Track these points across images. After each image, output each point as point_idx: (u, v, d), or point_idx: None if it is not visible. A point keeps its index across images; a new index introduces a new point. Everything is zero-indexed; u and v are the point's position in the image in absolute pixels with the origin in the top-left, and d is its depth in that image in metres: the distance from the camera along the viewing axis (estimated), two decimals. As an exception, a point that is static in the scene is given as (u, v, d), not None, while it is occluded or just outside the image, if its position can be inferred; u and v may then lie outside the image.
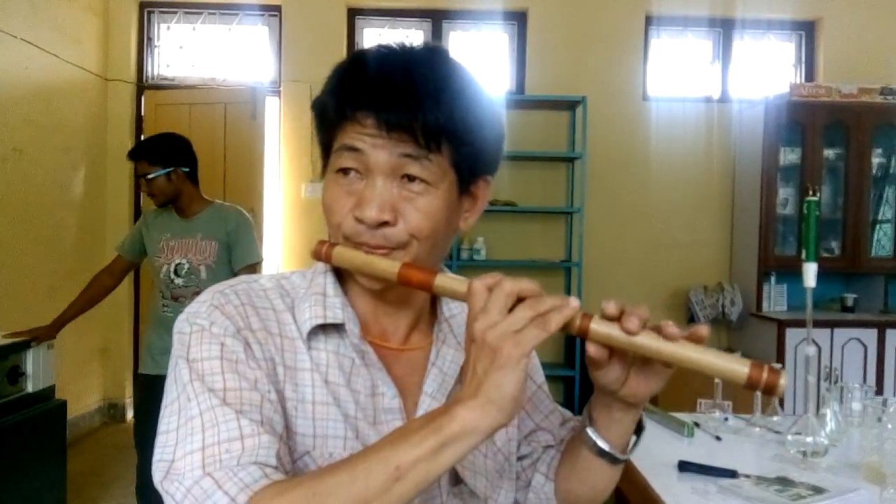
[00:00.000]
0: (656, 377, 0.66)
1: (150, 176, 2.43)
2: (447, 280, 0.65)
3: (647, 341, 0.59)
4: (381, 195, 0.67)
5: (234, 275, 2.46)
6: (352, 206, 0.68)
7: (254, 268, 2.53)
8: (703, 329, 0.60)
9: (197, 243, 2.46)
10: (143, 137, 4.34)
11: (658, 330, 0.60)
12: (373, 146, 0.66)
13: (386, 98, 0.65)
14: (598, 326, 0.60)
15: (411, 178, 0.67)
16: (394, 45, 0.70)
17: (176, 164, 2.48)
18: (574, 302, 0.59)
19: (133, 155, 2.51)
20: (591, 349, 0.62)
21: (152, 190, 2.47)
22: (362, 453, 0.59)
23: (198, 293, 2.83)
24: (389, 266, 0.66)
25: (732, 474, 1.42)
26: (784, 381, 0.57)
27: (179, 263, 2.44)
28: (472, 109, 0.68)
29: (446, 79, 0.67)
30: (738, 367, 0.57)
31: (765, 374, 0.56)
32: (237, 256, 2.49)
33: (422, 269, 0.66)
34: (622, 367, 0.66)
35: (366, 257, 0.68)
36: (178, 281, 2.44)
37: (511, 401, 0.57)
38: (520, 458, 0.86)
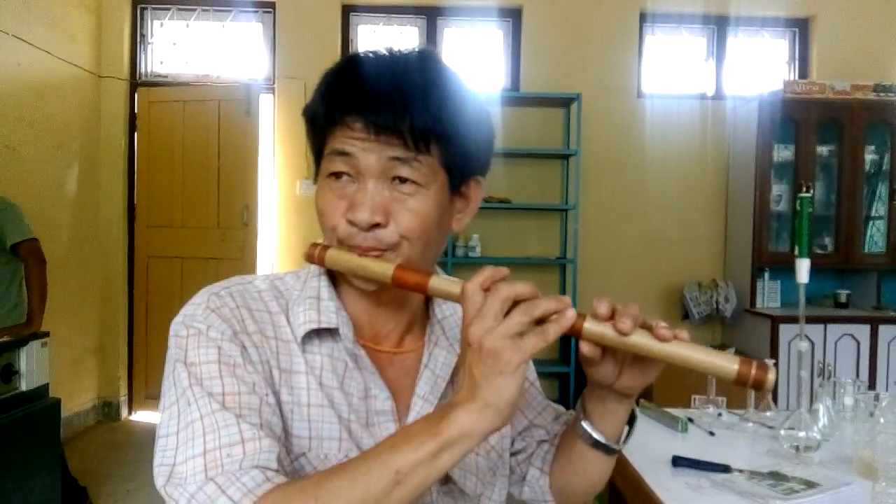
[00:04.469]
0: (650, 369, 0.68)
1: None
2: (441, 281, 0.65)
3: (640, 340, 0.60)
4: (372, 198, 0.67)
5: (14, 252, 2.70)
6: (344, 210, 0.68)
7: (31, 244, 2.73)
8: (685, 334, 0.61)
9: None
10: (136, 134, 4.33)
11: (650, 329, 0.61)
12: (362, 150, 0.67)
13: (373, 101, 0.66)
14: (591, 326, 0.61)
15: (402, 180, 0.68)
16: (381, 50, 0.70)
17: None
18: (571, 312, 0.60)
19: None
20: (585, 348, 0.63)
21: None
22: (363, 457, 0.60)
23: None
24: (384, 269, 0.67)
25: (726, 469, 1.42)
26: (773, 376, 0.58)
27: None
28: (460, 110, 0.69)
29: (434, 81, 0.68)
30: (727, 363, 0.59)
31: (753, 371, 0.58)
32: (8, 236, 2.69)
33: (416, 271, 0.67)
34: (615, 363, 0.67)
35: (359, 260, 0.68)
36: None
37: (509, 405, 0.58)
38: (514, 454, 0.87)
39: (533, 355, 0.59)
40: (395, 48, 0.71)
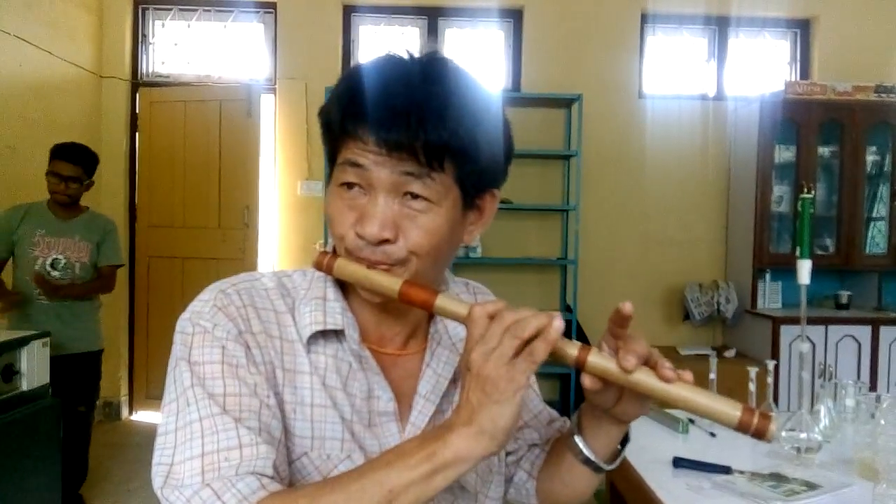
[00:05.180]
0: (649, 400, 0.68)
1: (85, 182, 2.81)
2: (448, 302, 0.65)
3: (643, 378, 0.60)
4: (382, 212, 0.66)
5: (96, 271, 2.88)
6: (353, 221, 0.68)
7: (113, 269, 2.95)
8: (689, 375, 0.61)
9: (75, 243, 2.82)
10: (137, 135, 4.34)
11: (654, 366, 0.61)
12: (375, 163, 0.66)
13: (387, 117, 0.64)
14: (595, 360, 0.61)
15: (413, 196, 0.67)
16: (401, 56, 0.68)
17: (92, 175, 2.87)
18: (557, 323, 0.59)
19: (74, 157, 2.78)
20: (587, 381, 0.63)
21: (71, 192, 2.78)
22: (358, 472, 0.61)
23: (71, 284, 2.70)
24: (391, 283, 0.67)
25: (727, 470, 1.42)
26: (774, 426, 0.58)
27: (56, 258, 2.77)
28: (478, 126, 0.67)
29: (452, 94, 0.66)
30: (730, 410, 0.59)
31: (755, 420, 0.58)
32: (102, 255, 2.88)
33: (423, 289, 0.66)
34: (616, 390, 0.68)
35: (367, 272, 0.68)
36: (55, 273, 2.77)
37: (504, 432, 0.59)
38: (505, 454, 0.87)
39: (528, 379, 0.59)
40: (414, 54, 0.69)
